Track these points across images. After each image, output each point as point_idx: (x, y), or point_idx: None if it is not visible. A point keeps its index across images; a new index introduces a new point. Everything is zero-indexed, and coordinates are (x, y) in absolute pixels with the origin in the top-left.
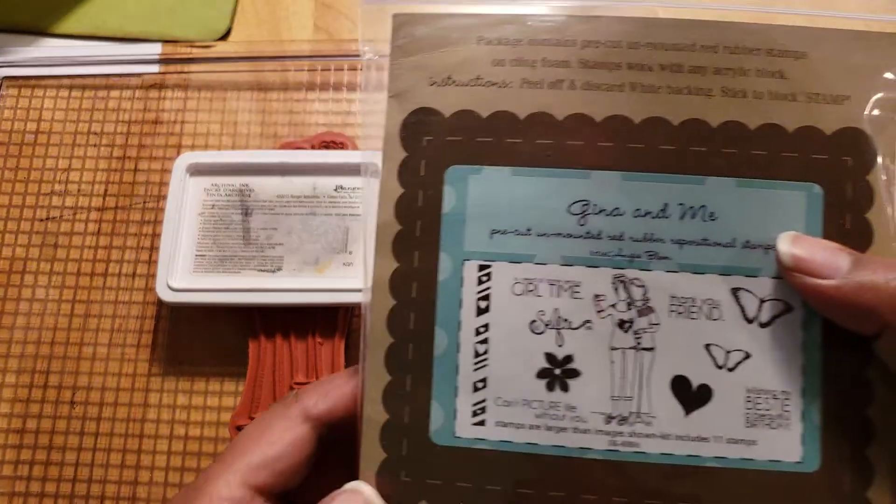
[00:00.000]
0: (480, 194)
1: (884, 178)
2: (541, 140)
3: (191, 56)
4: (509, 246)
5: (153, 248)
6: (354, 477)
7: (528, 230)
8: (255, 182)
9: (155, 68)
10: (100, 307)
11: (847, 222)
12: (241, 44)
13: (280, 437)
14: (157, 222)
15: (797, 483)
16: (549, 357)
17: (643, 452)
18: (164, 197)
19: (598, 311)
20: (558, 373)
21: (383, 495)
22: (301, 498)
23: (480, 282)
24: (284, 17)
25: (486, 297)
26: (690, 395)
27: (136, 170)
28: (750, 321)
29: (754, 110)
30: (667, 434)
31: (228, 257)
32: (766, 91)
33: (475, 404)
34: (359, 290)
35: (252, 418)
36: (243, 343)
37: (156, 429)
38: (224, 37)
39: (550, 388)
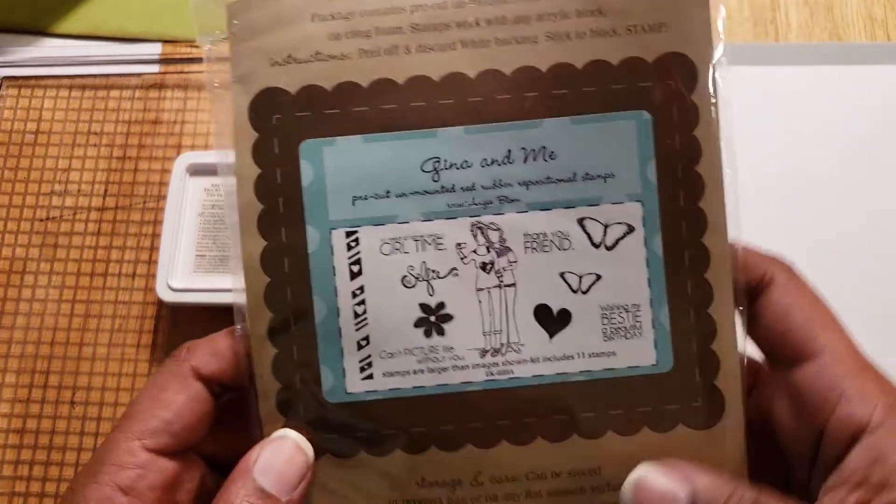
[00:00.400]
0: (337, 164)
1: (711, 96)
2: (385, 105)
3: (191, 56)
4: (372, 210)
5: (153, 248)
6: (252, 425)
7: (387, 193)
8: None
9: (155, 68)
10: (100, 307)
11: (676, 142)
12: None
13: (174, 399)
14: (157, 222)
15: (655, 383)
16: (423, 307)
17: (517, 377)
18: (164, 197)
19: (462, 258)
20: (433, 320)
21: None
22: (205, 446)
23: (349, 248)
24: None
25: (357, 262)
26: (552, 321)
27: (136, 170)
28: (597, 246)
29: (579, 50)
30: (536, 358)
31: (228, 257)
32: (587, 30)
33: (361, 361)
34: None
35: None
36: None
37: None
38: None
39: (428, 334)
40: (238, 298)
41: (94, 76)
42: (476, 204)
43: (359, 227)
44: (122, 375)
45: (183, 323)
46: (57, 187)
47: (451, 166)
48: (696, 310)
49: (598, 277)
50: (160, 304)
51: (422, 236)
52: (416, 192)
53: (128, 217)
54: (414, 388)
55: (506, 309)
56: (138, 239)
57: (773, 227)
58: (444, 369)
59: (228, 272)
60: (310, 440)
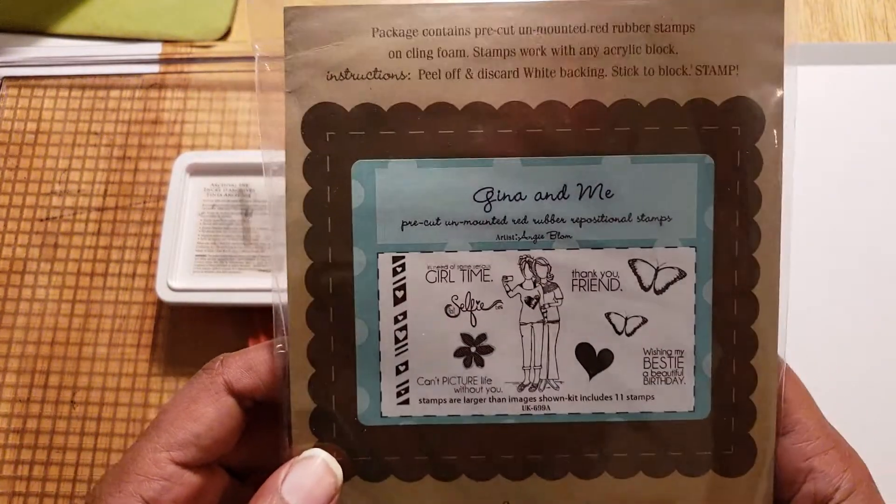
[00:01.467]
0: (388, 187)
1: (775, 143)
2: (442, 130)
3: (191, 56)
4: (420, 236)
5: (153, 248)
6: (281, 441)
7: (438, 220)
8: (255, 182)
9: (155, 68)
10: (100, 307)
11: (737, 189)
12: (241, 44)
13: (205, 412)
14: (157, 222)
15: (690, 429)
16: (465, 337)
17: (553, 413)
18: (164, 197)
19: (507, 291)
20: (474, 350)
21: None
22: (230, 456)
23: (395, 272)
24: None
25: (401, 287)
26: (593, 360)
27: (136, 170)
28: (646, 289)
29: (646, 87)
30: (573, 396)
31: (228, 257)
32: (656, 67)
33: (399, 385)
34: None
35: None
36: (243, 343)
37: None
38: (224, 37)
39: (467, 364)
40: (280, 313)
41: (94, 76)
42: (527, 238)
43: (406, 252)
44: (122, 375)
45: (183, 323)
46: (57, 187)
47: (504, 197)
48: (739, 359)
49: (644, 321)
50: (160, 304)
51: (469, 266)
52: (467, 222)
53: (128, 217)
54: (449, 416)
55: (547, 345)
56: (138, 239)
57: None
58: (481, 400)
59: (228, 272)
60: (339, 461)
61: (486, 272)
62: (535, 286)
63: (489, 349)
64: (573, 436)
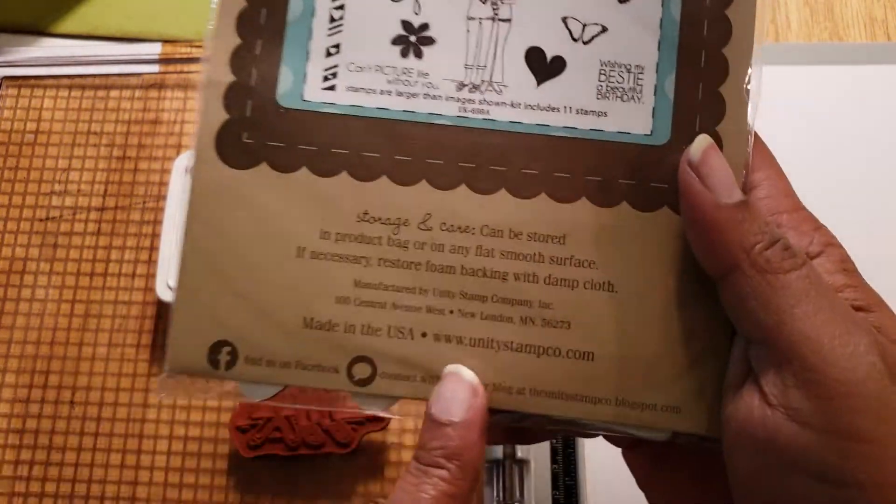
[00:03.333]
0: None
1: None
2: None
3: (191, 56)
4: None
5: (153, 248)
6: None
7: None
8: None
9: (155, 68)
10: (100, 307)
11: None
12: None
13: None
14: (157, 222)
15: (646, 156)
16: (405, 24)
17: (492, 120)
18: (164, 197)
19: None
20: (413, 40)
21: (221, 157)
22: None
23: None
24: None
25: None
26: (544, 66)
27: (136, 170)
28: None
29: None
30: (517, 103)
31: None
32: None
33: (327, 69)
34: None
35: (252, 418)
36: None
37: (156, 429)
38: None
39: (404, 54)
40: None
41: (94, 76)
42: None
43: None
44: (121, 375)
45: None
46: (57, 187)
47: None
48: (706, 84)
49: (604, 29)
50: (160, 304)
51: None
52: None
53: (128, 217)
54: (378, 108)
55: (495, 45)
56: (138, 239)
57: None
58: (415, 95)
59: None
60: (250, 145)
61: None
62: None
63: (430, 40)
64: (512, 147)
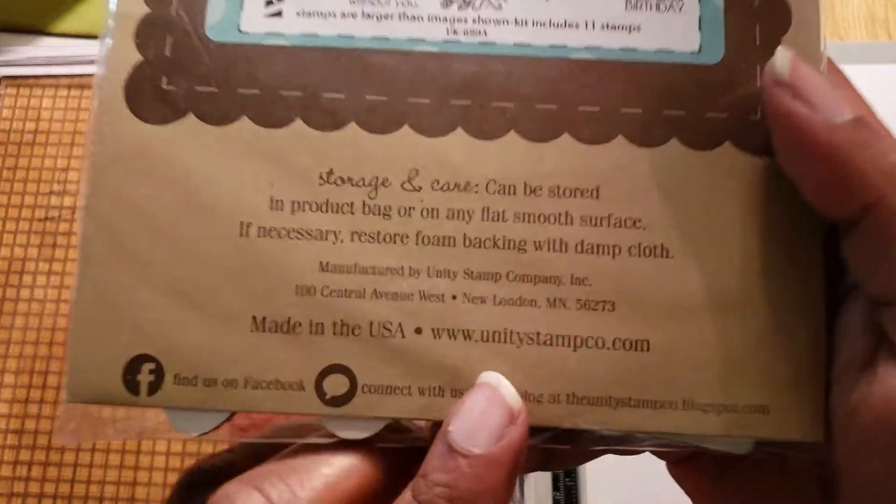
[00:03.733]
0: None
1: None
2: None
3: None
4: None
5: None
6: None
7: None
8: None
9: None
10: None
11: None
12: None
13: None
14: None
15: (695, 77)
16: None
17: (492, 43)
18: None
19: None
20: None
21: (134, 110)
22: None
23: None
24: None
25: None
26: None
27: None
28: None
29: None
30: (523, 20)
31: None
32: None
33: None
34: None
35: (251, 417)
36: None
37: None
38: None
39: None
40: None
41: (93, 75)
42: None
43: None
44: None
45: None
46: (56, 187)
47: None
48: None
49: None
50: None
51: None
52: None
53: None
54: (339, 36)
55: None
56: None
57: None
58: (387, 17)
59: None
60: (171, 92)
61: None
62: None
63: None
64: (520, 76)
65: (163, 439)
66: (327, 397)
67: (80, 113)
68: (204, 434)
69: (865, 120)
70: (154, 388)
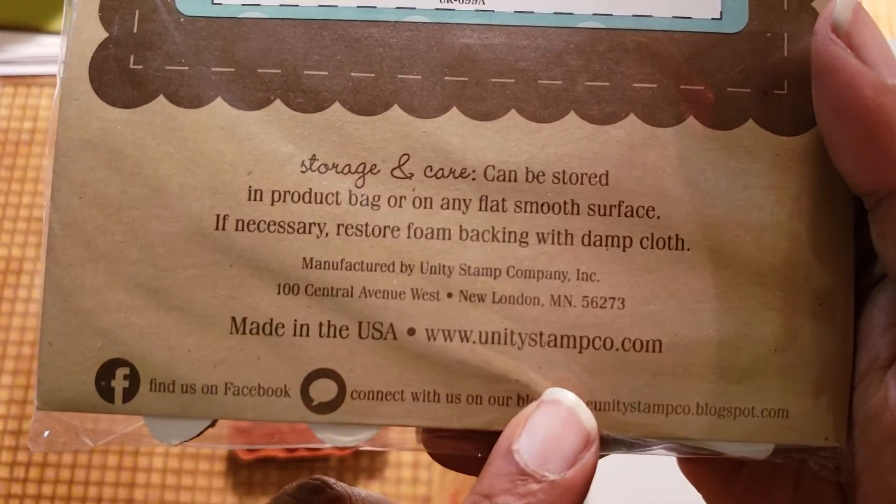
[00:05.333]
0: None
1: None
2: None
3: None
4: None
5: None
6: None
7: None
8: None
9: None
10: None
11: None
12: None
13: None
14: None
15: (715, 48)
16: None
17: (489, 11)
18: None
19: None
20: None
21: (99, 92)
22: None
23: None
24: None
25: None
26: None
27: None
28: None
29: None
30: None
31: None
32: None
33: None
34: None
35: None
36: None
37: None
38: None
39: None
40: None
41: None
42: None
43: None
44: None
45: None
46: None
47: None
48: None
49: None
50: None
51: None
52: None
53: None
54: (321, 6)
55: None
56: None
57: None
58: None
59: None
60: (139, 72)
61: None
62: None
63: None
64: (521, 49)
65: (145, 447)
66: (314, 404)
67: None
68: (184, 441)
69: None
70: (129, 394)
